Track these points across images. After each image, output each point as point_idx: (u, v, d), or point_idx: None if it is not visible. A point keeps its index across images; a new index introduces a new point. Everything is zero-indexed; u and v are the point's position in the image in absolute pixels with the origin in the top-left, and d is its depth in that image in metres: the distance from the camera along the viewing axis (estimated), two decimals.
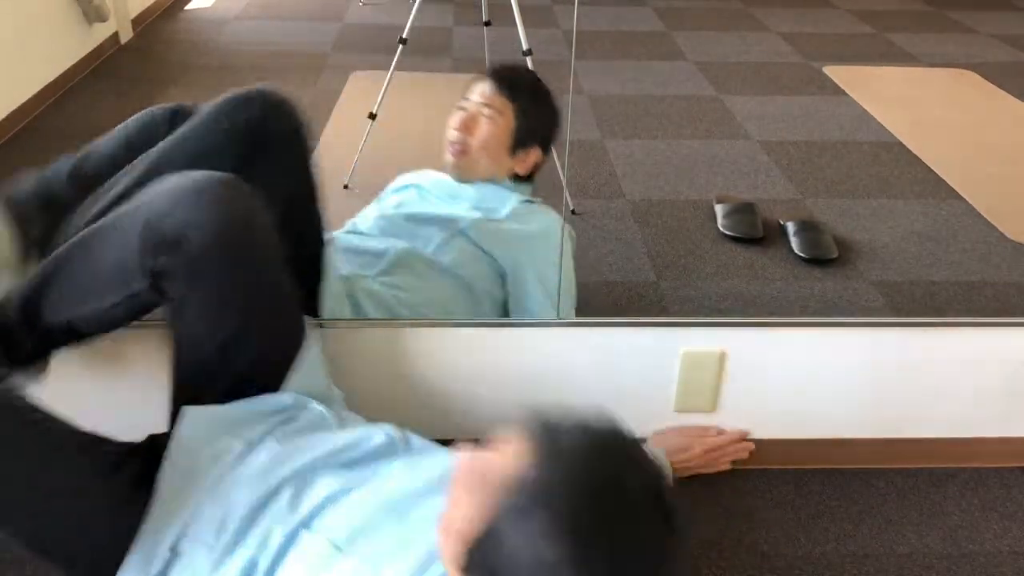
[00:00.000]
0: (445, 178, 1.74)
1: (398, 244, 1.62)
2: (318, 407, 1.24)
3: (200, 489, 1.11)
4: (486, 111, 1.67)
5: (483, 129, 1.68)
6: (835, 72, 3.50)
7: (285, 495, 1.08)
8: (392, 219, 1.69)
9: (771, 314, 1.99)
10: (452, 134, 1.69)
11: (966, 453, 1.70)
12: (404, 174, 1.83)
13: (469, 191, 1.70)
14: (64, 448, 1.11)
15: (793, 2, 4.50)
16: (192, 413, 1.18)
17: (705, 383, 1.60)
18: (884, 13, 4.39)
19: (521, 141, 1.70)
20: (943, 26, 4.20)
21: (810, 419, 1.66)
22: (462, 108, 1.70)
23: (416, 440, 1.20)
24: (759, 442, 1.67)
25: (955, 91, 3.44)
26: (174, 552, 1.08)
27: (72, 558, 1.12)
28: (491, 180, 1.72)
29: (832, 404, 1.64)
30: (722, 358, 1.58)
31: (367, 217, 1.73)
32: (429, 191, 1.74)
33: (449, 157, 1.70)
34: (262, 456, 1.14)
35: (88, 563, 1.12)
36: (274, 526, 1.06)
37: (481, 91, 1.70)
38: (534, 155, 1.73)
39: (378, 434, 1.18)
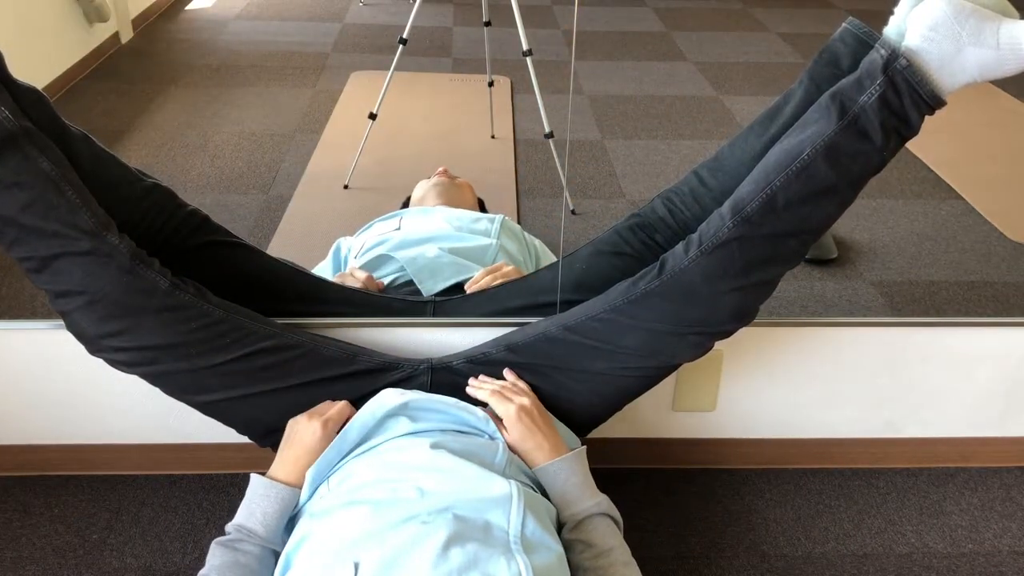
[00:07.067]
0: None
1: None
2: (501, 441, 1.21)
3: (356, 444, 1.19)
4: None
5: None
6: None
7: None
8: None
9: (771, 314, 1.99)
10: None
11: (966, 453, 1.70)
12: None
13: None
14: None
15: (793, 2, 4.50)
16: (391, 391, 1.25)
17: (704, 383, 1.60)
18: (884, 13, 4.38)
19: None
20: None
21: (810, 419, 1.66)
22: None
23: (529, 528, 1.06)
24: (759, 442, 1.67)
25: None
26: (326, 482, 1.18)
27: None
28: None
29: (832, 404, 1.64)
30: (721, 358, 1.58)
31: None
32: None
33: None
34: (409, 447, 1.15)
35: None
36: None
37: None
38: None
39: (499, 495, 1.08)
